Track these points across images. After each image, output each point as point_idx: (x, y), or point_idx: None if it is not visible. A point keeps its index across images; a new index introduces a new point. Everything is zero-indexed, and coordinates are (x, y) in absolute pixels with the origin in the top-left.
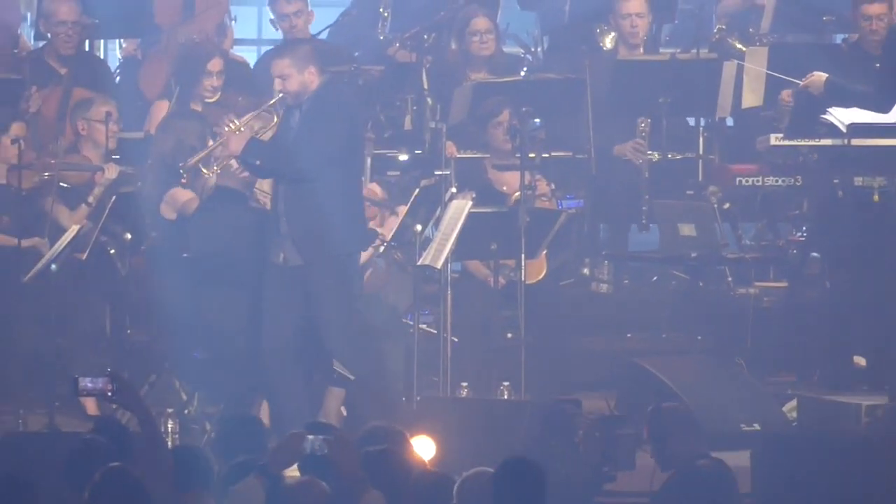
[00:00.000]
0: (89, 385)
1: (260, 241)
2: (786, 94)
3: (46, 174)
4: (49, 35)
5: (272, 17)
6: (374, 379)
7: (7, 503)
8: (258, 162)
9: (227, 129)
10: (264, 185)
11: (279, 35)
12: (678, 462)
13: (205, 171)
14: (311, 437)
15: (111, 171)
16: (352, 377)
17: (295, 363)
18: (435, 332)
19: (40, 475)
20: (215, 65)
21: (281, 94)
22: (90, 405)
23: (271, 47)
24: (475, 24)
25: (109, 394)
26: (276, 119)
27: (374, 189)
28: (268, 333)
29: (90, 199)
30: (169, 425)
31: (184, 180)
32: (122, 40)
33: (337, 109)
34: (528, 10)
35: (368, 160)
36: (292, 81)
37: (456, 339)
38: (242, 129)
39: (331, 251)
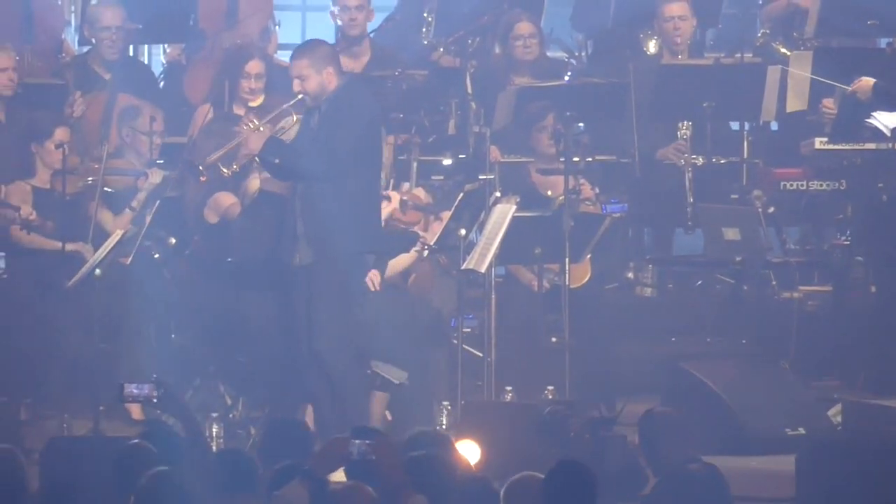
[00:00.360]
0: (135, 391)
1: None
2: (827, 103)
3: (90, 179)
4: (93, 40)
5: (333, 9)
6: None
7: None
8: (277, 161)
9: (246, 128)
10: None
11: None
12: (669, 467)
13: (224, 169)
14: (355, 441)
15: (155, 176)
16: (396, 381)
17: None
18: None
19: (86, 480)
20: (254, 67)
21: (300, 96)
22: (134, 410)
23: None
24: (519, 28)
25: (154, 400)
26: (294, 119)
27: (418, 193)
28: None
29: (134, 204)
30: (213, 429)
31: (203, 178)
32: (166, 45)
33: (354, 110)
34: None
35: (414, 165)
36: (311, 82)
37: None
38: (262, 128)
39: (336, 250)
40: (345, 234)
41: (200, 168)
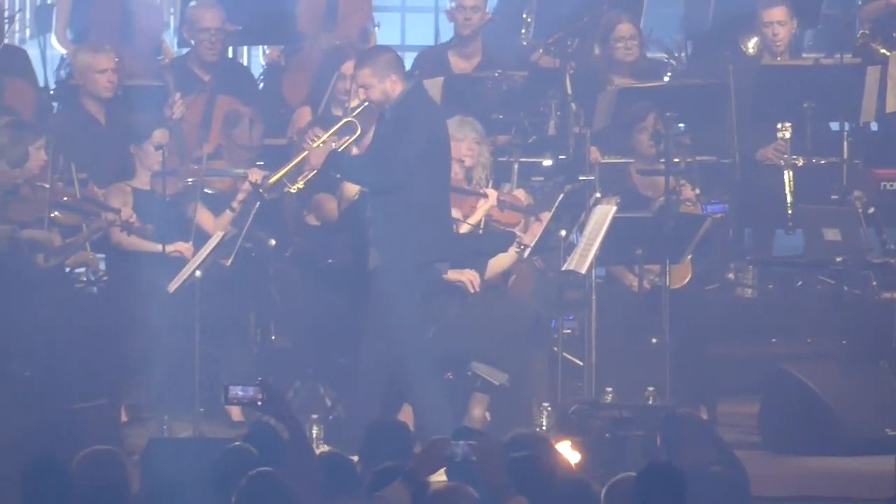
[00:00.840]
0: (240, 393)
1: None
2: None
3: (190, 180)
4: (192, 42)
5: (450, 6)
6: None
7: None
8: (338, 176)
9: (310, 142)
10: None
11: (423, 41)
12: (691, 469)
13: (289, 186)
14: (457, 442)
15: (255, 177)
16: (496, 382)
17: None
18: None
19: (187, 481)
20: (349, 68)
21: (365, 104)
22: (234, 412)
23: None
24: (620, 30)
25: (259, 403)
26: (359, 131)
27: (518, 195)
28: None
29: (234, 205)
30: (314, 431)
31: (268, 196)
32: (265, 47)
33: (419, 118)
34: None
35: (515, 166)
36: (374, 91)
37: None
38: (324, 143)
39: (412, 259)
40: (415, 244)
41: (260, 189)
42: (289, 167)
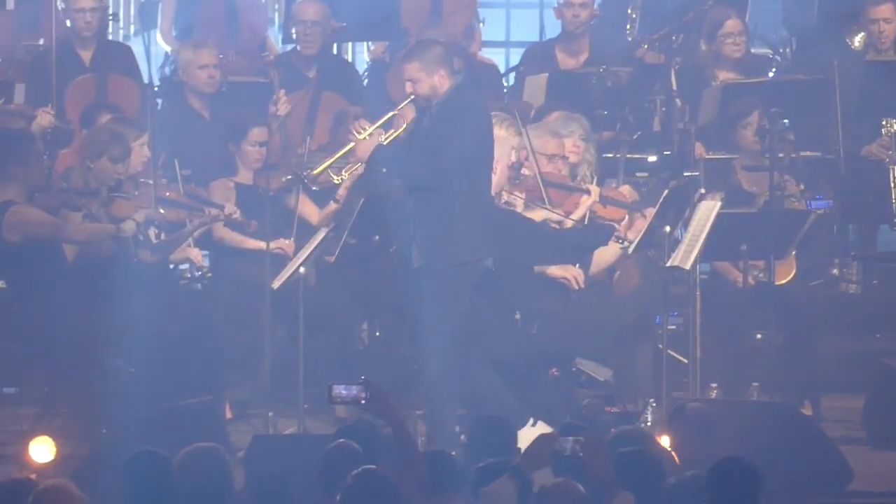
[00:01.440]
0: (343, 392)
1: (505, 242)
2: None
3: (291, 176)
4: (295, 37)
5: (558, 2)
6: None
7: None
8: (384, 169)
9: (356, 134)
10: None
11: (528, 36)
12: (698, 462)
13: (335, 177)
14: (564, 438)
15: (359, 169)
16: (601, 378)
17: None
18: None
19: (291, 478)
20: (455, 65)
21: (412, 98)
22: (339, 408)
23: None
24: (728, 26)
25: (363, 402)
26: (405, 125)
27: (624, 191)
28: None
29: (338, 196)
30: (418, 427)
31: (314, 187)
32: (370, 43)
33: (466, 114)
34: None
35: (620, 162)
36: (422, 85)
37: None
38: (370, 136)
39: (455, 257)
40: (458, 242)
41: (306, 180)
42: (334, 158)
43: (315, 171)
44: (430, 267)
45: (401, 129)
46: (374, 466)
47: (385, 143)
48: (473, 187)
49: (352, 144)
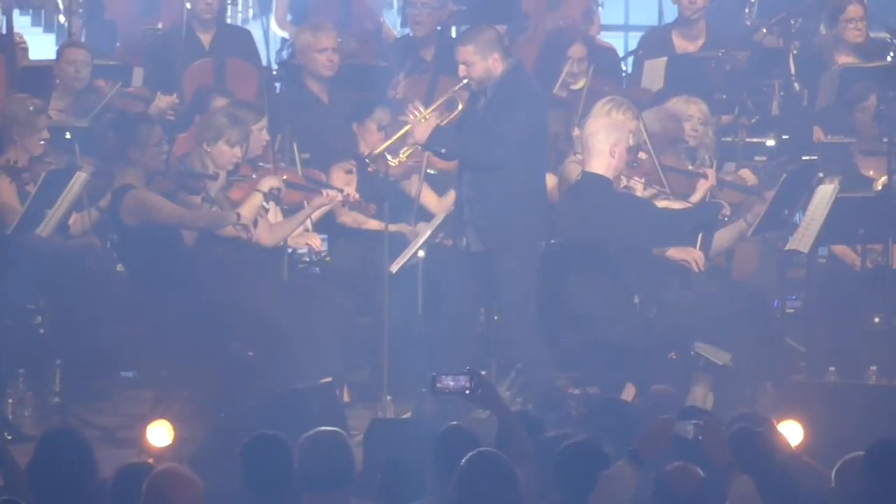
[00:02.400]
0: (450, 383)
1: (627, 226)
2: None
3: (412, 160)
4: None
5: None
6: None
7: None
8: (443, 150)
9: (412, 116)
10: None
11: (646, 20)
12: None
13: (391, 159)
14: (683, 422)
15: None
16: (719, 362)
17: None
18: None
19: (408, 460)
20: (577, 51)
21: (465, 81)
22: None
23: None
24: (851, 11)
25: (467, 392)
26: (460, 107)
27: (744, 175)
28: (449, 317)
29: (456, 183)
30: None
31: (371, 168)
32: None
33: (521, 96)
34: None
35: (739, 146)
36: (476, 68)
37: None
38: (427, 116)
39: (512, 238)
40: (518, 223)
41: (367, 160)
42: (393, 139)
43: (376, 152)
44: (495, 252)
45: (457, 112)
46: (490, 449)
47: (443, 125)
48: (529, 169)
49: (408, 126)
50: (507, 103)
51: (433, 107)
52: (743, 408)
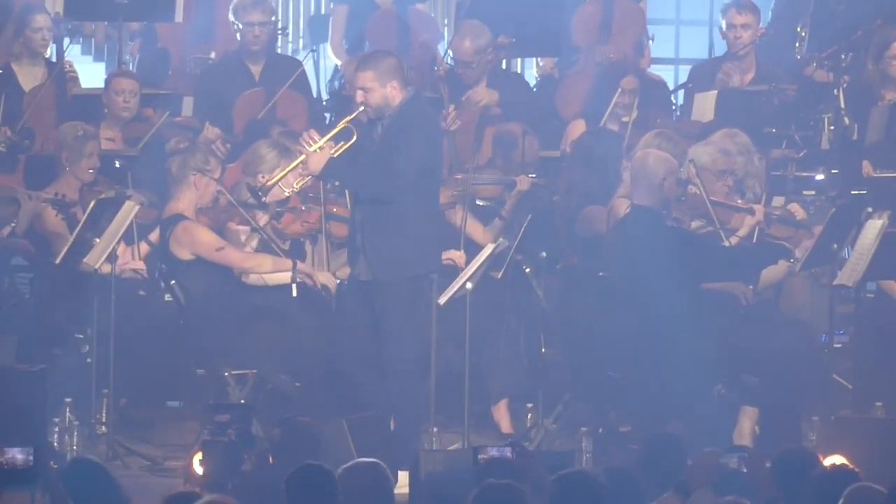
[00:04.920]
0: (493, 454)
1: (678, 261)
2: None
3: (457, 190)
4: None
5: (722, 24)
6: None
7: None
8: (337, 183)
9: (307, 146)
10: None
11: (697, 54)
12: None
13: (285, 190)
14: (728, 455)
15: (523, 184)
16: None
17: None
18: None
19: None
20: (628, 83)
21: (362, 108)
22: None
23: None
24: (894, 47)
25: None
26: (355, 137)
27: (793, 209)
28: (340, 345)
29: (503, 213)
30: (582, 444)
31: (264, 199)
32: (538, 59)
33: (419, 127)
34: None
35: (790, 180)
36: (375, 95)
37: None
38: (322, 146)
39: (401, 272)
40: (408, 256)
41: (259, 192)
42: (286, 171)
43: (268, 184)
44: (383, 284)
45: (352, 142)
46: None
47: (336, 155)
48: (423, 201)
49: (303, 157)
50: (405, 133)
51: (328, 136)
52: (790, 443)
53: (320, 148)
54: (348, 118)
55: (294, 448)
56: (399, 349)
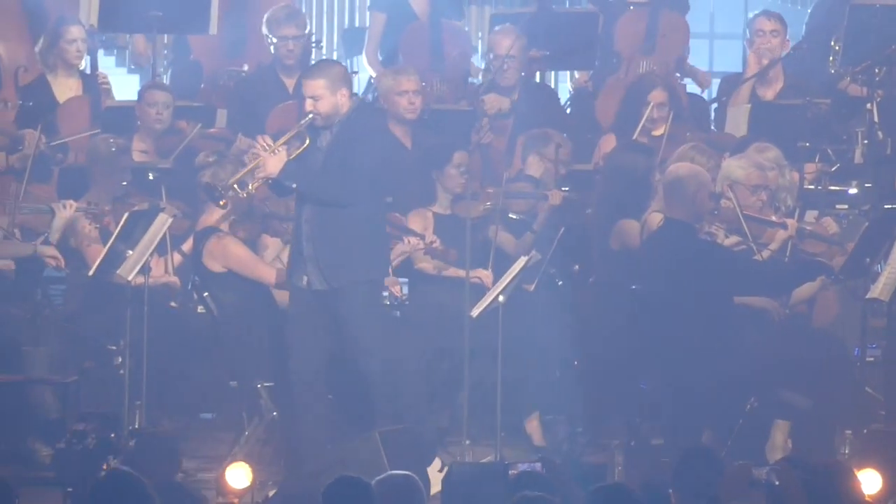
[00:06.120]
0: (525, 468)
1: (711, 274)
2: None
3: (489, 203)
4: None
5: (748, 36)
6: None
7: None
8: (294, 185)
9: (262, 149)
10: None
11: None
12: None
13: (240, 191)
14: (760, 468)
15: (555, 198)
16: (802, 407)
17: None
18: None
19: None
20: (657, 96)
21: (311, 115)
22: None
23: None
24: None
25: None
26: (307, 142)
27: (826, 224)
28: (296, 357)
29: (535, 227)
30: (615, 458)
31: (222, 203)
32: (574, 72)
33: (368, 133)
34: None
35: (823, 194)
36: (325, 102)
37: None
38: (277, 151)
39: (356, 277)
40: (360, 261)
41: (220, 191)
42: (242, 173)
43: (228, 182)
44: (338, 289)
45: (305, 146)
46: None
47: (291, 158)
48: (370, 207)
49: (259, 160)
50: (356, 140)
51: (283, 140)
52: (822, 456)
53: (275, 151)
54: (300, 124)
55: (149, 460)
56: (369, 352)
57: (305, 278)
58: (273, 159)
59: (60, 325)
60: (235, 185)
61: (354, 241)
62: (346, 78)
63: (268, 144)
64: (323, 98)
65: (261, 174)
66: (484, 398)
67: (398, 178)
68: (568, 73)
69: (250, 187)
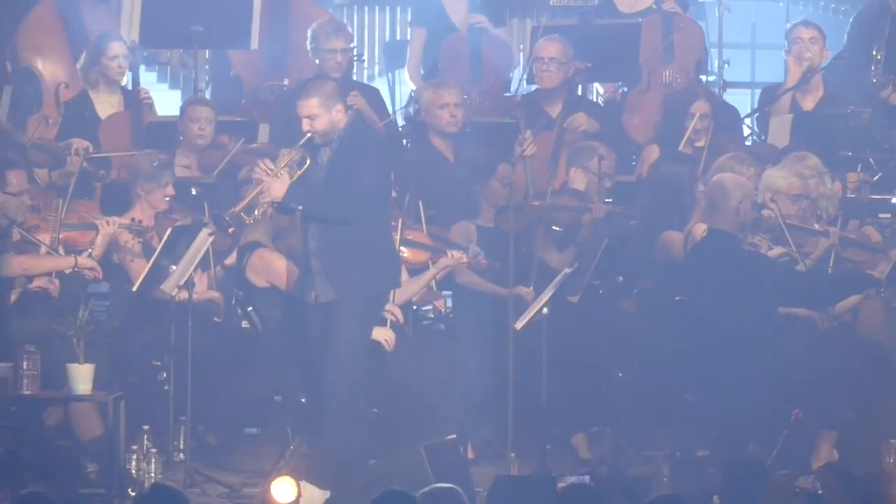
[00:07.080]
0: (575, 481)
1: (754, 285)
2: None
3: (536, 216)
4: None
5: (787, 45)
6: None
7: None
8: (300, 207)
9: (264, 174)
10: None
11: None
12: None
13: (246, 218)
14: (804, 476)
15: (599, 211)
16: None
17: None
18: None
19: None
20: (699, 107)
21: (309, 135)
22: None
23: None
24: None
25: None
26: (308, 162)
27: (868, 232)
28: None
29: (578, 240)
30: (662, 469)
31: (231, 230)
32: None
33: (368, 146)
34: None
35: (865, 203)
36: (321, 121)
37: None
38: (280, 174)
39: (362, 289)
40: (368, 274)
41: (227, 220)
42: (247, 200)
43: (232, 212)
44: (341, 301)
45: (306, 166)
46: None
47: (294, 180)
48: (375, 219)
49: (262, 185)
50: (357, 154)
51: (283, 163)
52: (867, 466)
53: (278, 175)
54: (299, 145)
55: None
56: (342, 369)
57: (313, 293)
58: (276, 183)
59: (105, 342)
60: (241, 213)
61: (362, 255)
62: (339, 94)
63: (269, 168)
64: (319, 116)
65: (266, 199)
66: (529, 411)
67: (437, 191)
68: (595, 85)
69: (256, 213)
